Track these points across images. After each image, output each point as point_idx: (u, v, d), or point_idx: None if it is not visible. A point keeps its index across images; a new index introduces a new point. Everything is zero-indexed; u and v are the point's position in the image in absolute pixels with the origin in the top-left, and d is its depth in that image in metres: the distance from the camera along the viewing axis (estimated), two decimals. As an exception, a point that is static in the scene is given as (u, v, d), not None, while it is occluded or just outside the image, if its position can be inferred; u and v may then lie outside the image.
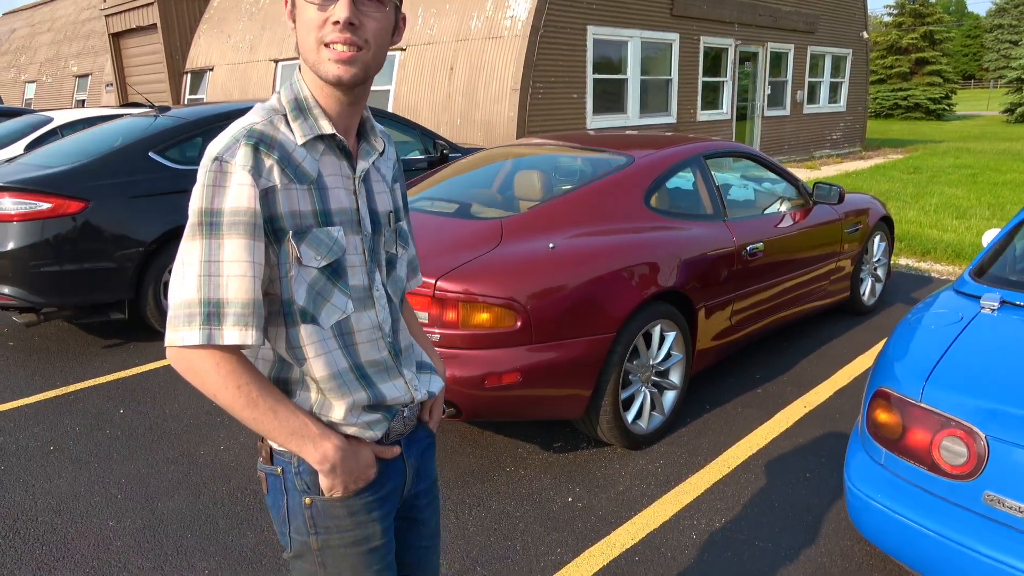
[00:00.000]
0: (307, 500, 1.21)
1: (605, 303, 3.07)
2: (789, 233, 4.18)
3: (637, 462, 3.31)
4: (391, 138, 1.39)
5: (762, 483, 3.13)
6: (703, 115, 13.16)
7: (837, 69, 16.86)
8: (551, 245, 3.07)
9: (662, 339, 3.44)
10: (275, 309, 1.15)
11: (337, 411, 1.19)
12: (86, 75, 20.58)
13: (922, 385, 2.03)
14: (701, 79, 12.94)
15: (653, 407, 3.50)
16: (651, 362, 3.39)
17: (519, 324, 2.87)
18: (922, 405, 2.01)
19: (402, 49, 11.53)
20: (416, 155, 6.56)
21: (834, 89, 16.94)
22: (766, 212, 4.20)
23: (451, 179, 3.98)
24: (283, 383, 1.19)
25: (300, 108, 1.15)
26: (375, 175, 1.27)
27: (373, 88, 11.98)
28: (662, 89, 12.36)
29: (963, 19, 75.10)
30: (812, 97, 16.28)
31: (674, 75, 12.36)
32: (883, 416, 2.11)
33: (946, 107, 31.48)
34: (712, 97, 13.52)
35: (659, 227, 3.47)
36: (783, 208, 4.38)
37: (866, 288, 5.30)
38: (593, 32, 10.79)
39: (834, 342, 4.81)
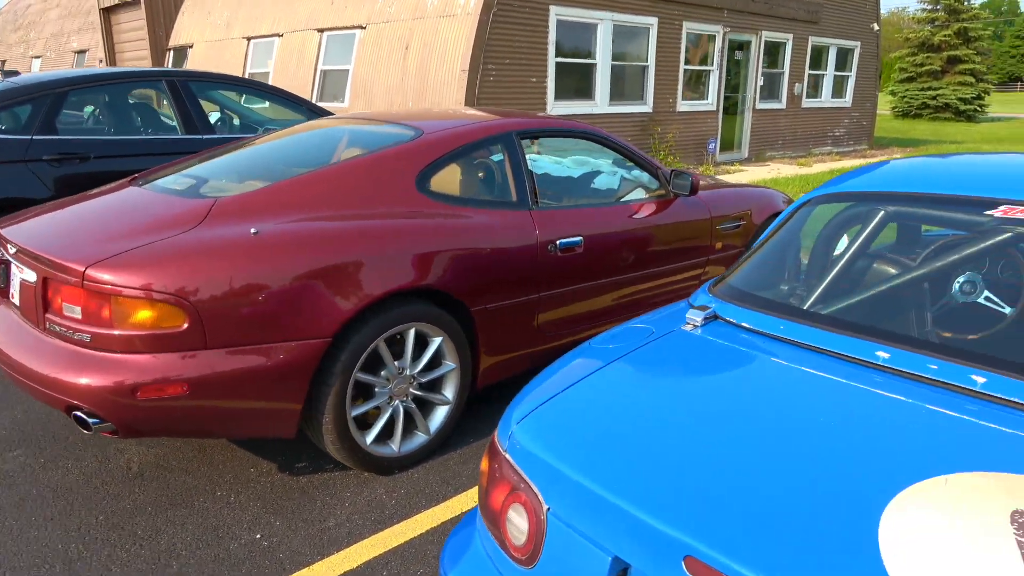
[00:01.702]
0: None
1: (318, 302, 2.56)
2: (627, 227, 3.61)
3: (374, 490, 2.80)
4: None
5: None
6: (684, 105, 12.46)
7: (843, 62, 15.95)
8: (253, 231, 2.57)
9: (423, 346, 2.92)
10: None
11: None
12: (84, 51, 20.53)
13: (511, 427, 1.50)
14: (682, 67, 12.24)
15: (415, 425, 2.98)
16: (407, 372, 2.88)
17: (187, 325, 2.38)
18: (506, 455, 1.47)
19: (362, 27, 11.06)
20: (302, 133, 6.08)
21: (839, 83, 16.04)
22: (601, 202, 3.64)
23: (231, 155, 3.49)
24: None
25: None
26: None
27: (331, 67, 11.56)
28: (637, 76, 11.70)
29: (1014, 19, 72.28)
30: (814, 91, 15.42)
31: (651, 62, 11.69)
32: (483, 464, 1.58)
33: (977, 108, 30.01)
34: (697, 87, 12.81)
35: (425, 214, 2.94)
36: (629, 198, 3.81)
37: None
38: (556, 13, 10.19)
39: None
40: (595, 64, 10.94)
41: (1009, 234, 1.70)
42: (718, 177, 5.09)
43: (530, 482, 1.36)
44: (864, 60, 16.48)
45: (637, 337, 1.79)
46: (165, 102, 5.56)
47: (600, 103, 11.11)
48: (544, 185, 4.07)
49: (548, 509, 1.31)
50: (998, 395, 1.35)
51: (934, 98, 30.13)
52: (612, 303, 3.63)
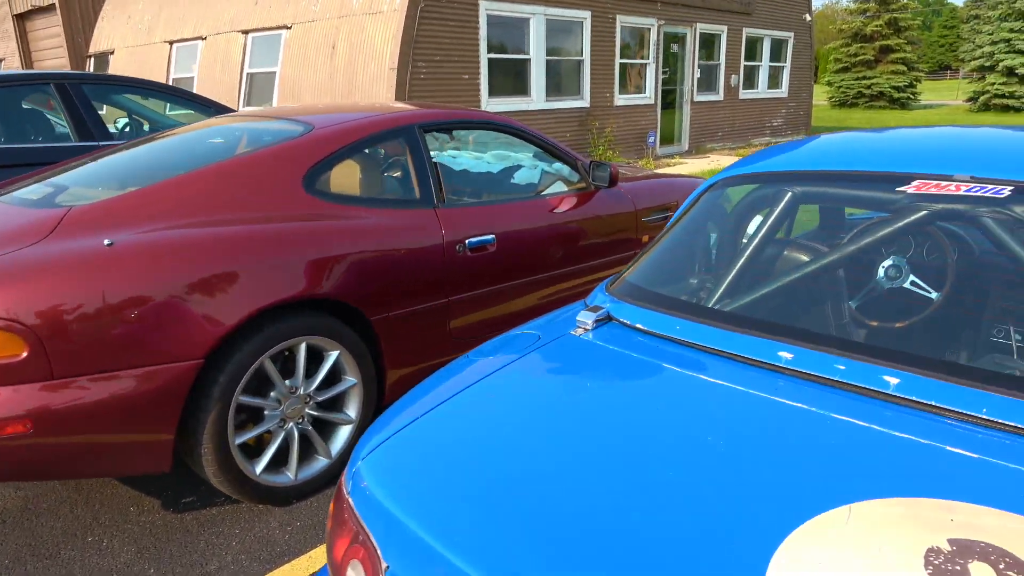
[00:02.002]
0: None
1: (185, 319, 2.28)
2: (545, 223, 3.40)
3: (267, 525, 2.52)
4: None
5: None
6: (621, 99, 12.37)
7: (778, 53, 16.10)
8: (107, 242, 2.27)
9: (319, 361, 2.66)
10: None
11: None
12: (1, 60, 19.54)
13: (357, 463, 1.26)
14: (618, 61, 12.14)
15: (315, 449, 2.72)
16: (301, 391, 2.61)
17: (26, 353, 2.08)
18: (348, 498, 1.23)
19: (287, 27, 10.67)
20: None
21: (775, 74, 16.19)
22: (516, 197, 3.42)
23: (103, 159, 3.16)
24: None
25: None
26: None
27: (258, 70, 11.14)
28: (573, 71, 11.55)
29: (940, 8, 74.76)
30: (750, 82, 15.51)
31: (586, 56, 11.55)
32: (332, 504, 1.33)
33: (910, 96, 30.81)
34: (634, 80, 12.73)
35: (314, 216, 2.67)
36: (548, 192, 3.59)
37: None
38: (486, 8, 9.97)
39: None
40: (529, 59, 10.75)
41: (925, 212, 1.52)
42: (647, 168, 4.92)
43: (369, 533, 1.12)
44: (798, 51, 16.66)
45: (519, 346, 1.56)
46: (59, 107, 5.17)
47: (536, 99, 10.93)
48: (455, 181, 3.83)
49: (387, 568, 1.07)
50: (914, 398, 1.16)
51: (869, 87, 30.84)
52: (535, 303, 3.42)
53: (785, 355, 1.31)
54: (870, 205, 1.61)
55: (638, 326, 1.54)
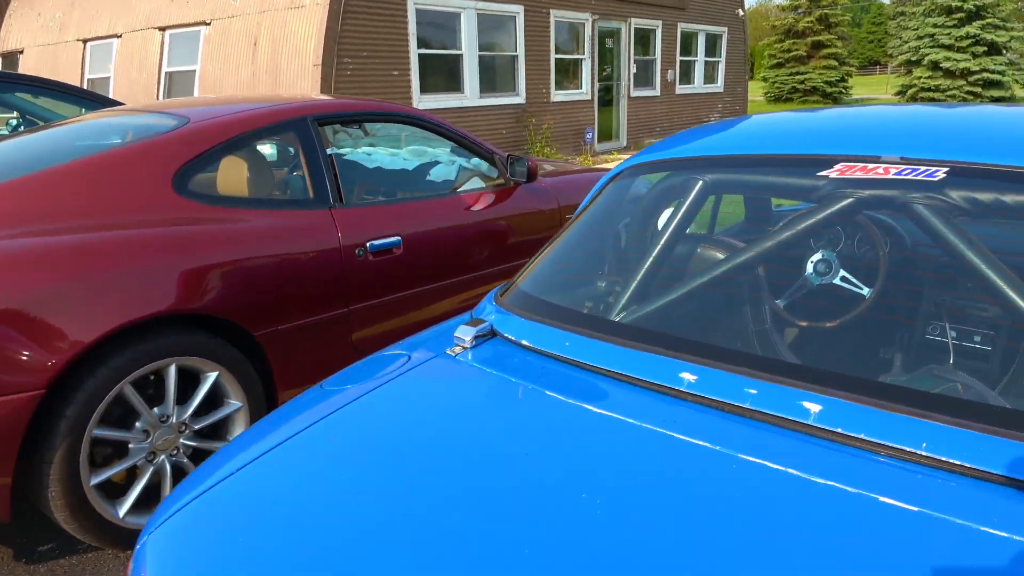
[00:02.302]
0: None
1: (18, 343, 1.94)
2: (459, 222, 3.14)
3: (135, 575, 2.20)
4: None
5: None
6: (559, 95, 12.19)
7: (713, 48, 16.17)
8: (-81, 254, 1.92)
9: (195, 384, 2.34)
10: None
11: None
12: (-97, 62, 18.32)
13: (144, 537, 0.98)
14: (554, 56, 11.95)
15: (195, 483, 2.39)
16: (173, 420, 2.29)
17: None
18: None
19: (206, 23, 10.16)
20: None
21: (710, 69, 16.26)
22: (426, 195, 3.15)
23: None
24: None
25: None
26: None
27: (177, 69, 10.60)
28: (508, 67, 11.32)
29: (868, 5, 77.13)
30: (686, 77, 15.54)
31: (520, 51, 11.33)
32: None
33: (842, 90, 31.54)
34: (570, 76, 12.57)
35: (186, 220, 2.36)
36: (464, 189, 3.34)
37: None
38: (415, 2, 9.65)
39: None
40: (462, 55, 10.47)
41: (851, 200, 1.31)
42: (577, 164, 4.71)
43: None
44: (732, 46, 16.78)
45: (379, 372, 1.30)
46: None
47: (470, 96, 10.66)
48: (360, 179, 3.54)
49: None
50: (838, 430, 0.94)
51: (802, 82, 31.44)
52: (449, 309, 3.15)
53: (687, 377, 1.08)
54: (789, 193, 1.40)
55: (523, 343, 1.30)
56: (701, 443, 0.94)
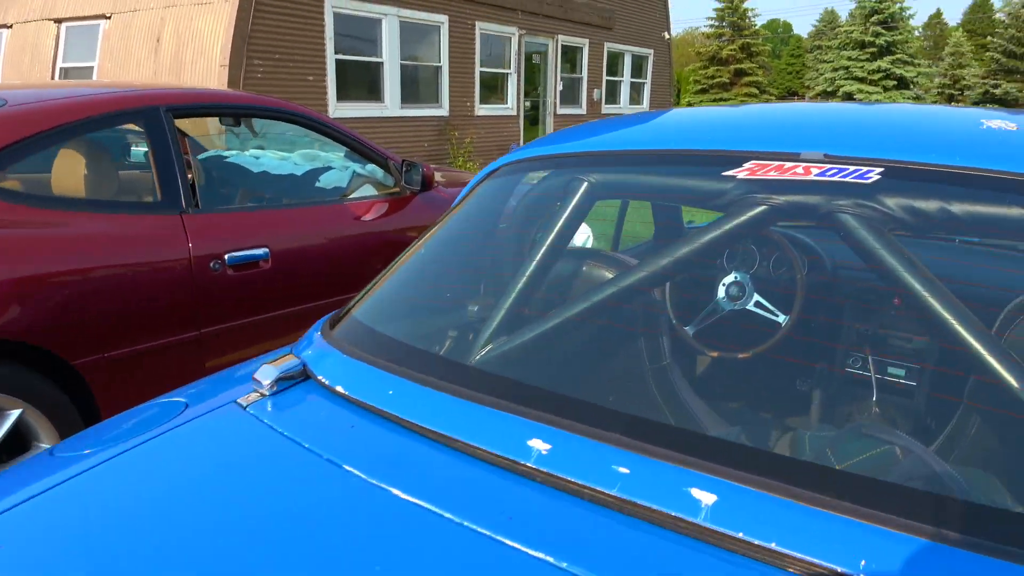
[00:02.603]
0: None
1: None
2: (341, 233, 2.79)
3: None
4: None
5: None
6: (483, 109, 11.95)
7: (639, 70, 16.29)
8: None
9: (-7, 423, 1.91)
10: None
11: None
12: None
13: None
14: (479, 69, 11.72)
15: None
16: (-40, 468, 1.85)
17: None
18: None
19: (106, 17, 9.48)
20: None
21: (636, 90, 16.37)
22: (306, 203, 2.79)
23: None
24: None
25: None
26: None
27: (73, 64, 9.87)
28: (431, 78, 11.01)
29: (787, 38, 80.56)
30: (612, 97, 15.57)
31: (444, 63, 11.04)
32: None
33: (763, 117, 32.64)
34: (496, 91, 12.36)
35: (-17, 223, 1.93)
36: (355, 197, 2.99)
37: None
38: (333, 5, 9.25)
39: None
40: (382, 63, 10.10)
41: (763, 207, 1.04)
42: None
43: None
44: (658, 68, 16.95)
45: (145, 427, 0.95)
46: None
47: (391, 106, 10.29)
48: (230, 182, 3.15)
49: None
50: (740, 536, 0.64)
51: (725, 108, 32.41)
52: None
53: (538, 446, 0.77)
54: (690, 197, 1.13)
55: (337, 389, 0.96)
56: (542, 557, 0.63)
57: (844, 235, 0.97)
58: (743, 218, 1.04)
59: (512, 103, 12.65)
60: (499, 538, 0.66)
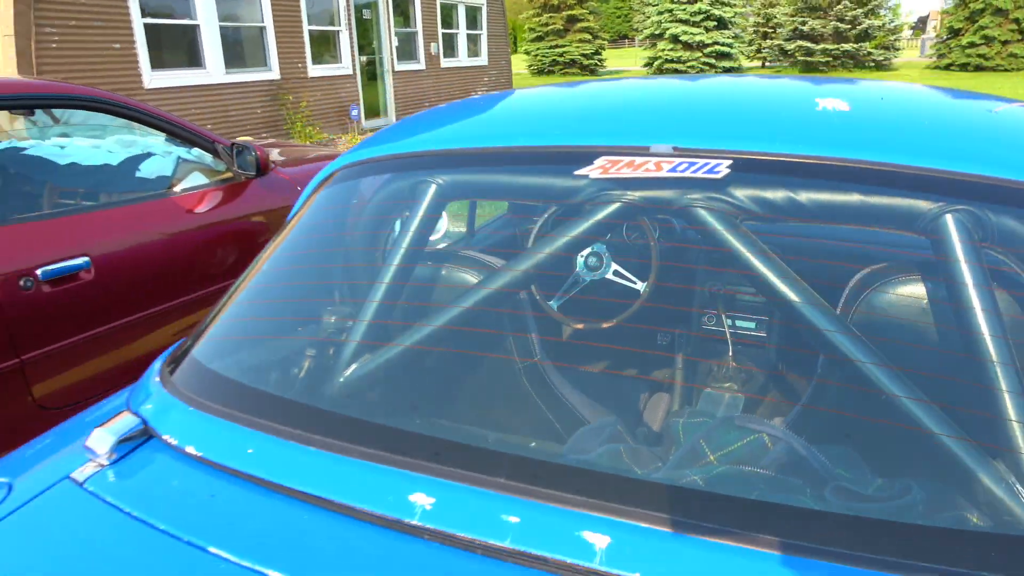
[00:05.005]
0: None
1: None
2: (172, 231, 2.55)
3: None
4: None
5: None
6: (316, 69, 11.37)
7: (473, 21, 16.10)
8: None
9: None
10: None
11: None
12: None
13: None
14: (307, 27, 11.10)
15: None
16: None
17: None
18: None
19: None
20: None
21: (473, 42, 16.20)
22: (128, 200, 2.52)
23: None
24: None
25: None
26: None
27: None
28: (256, 39, 10.30)
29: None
30: (451, 50, 15.33)
31: (268, 22, 10.35)
32: None
33: (597, 62, 33.35)
34: (329, 49, 11.79)
35: None
36: (181, 188, 2.74)
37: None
38: (133, -37, 8.37)
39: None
40: (198, 25, 9.31)
41: (618, 204, 1.02)
42: (323, 147, 4.19)
43: None
44: (493, 18, 16.83)
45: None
46: None
47: (214, 72, 9.55)
48: (36, 183, 2.79)
49: None
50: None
51: (561, 55, 32.79)
52: (169, 340, 2.56)
53: (421, 501, 0.72)
54: (543, 196, 1.09)
55: (188, 449, 0.86)
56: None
57: (699, 227, 0.97)
58: (600, 216, 1.02)
59: (347, 61, 12.13)
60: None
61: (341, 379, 0.96)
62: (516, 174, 1.07)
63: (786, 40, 30.29)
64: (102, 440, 0.89)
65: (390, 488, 0.74)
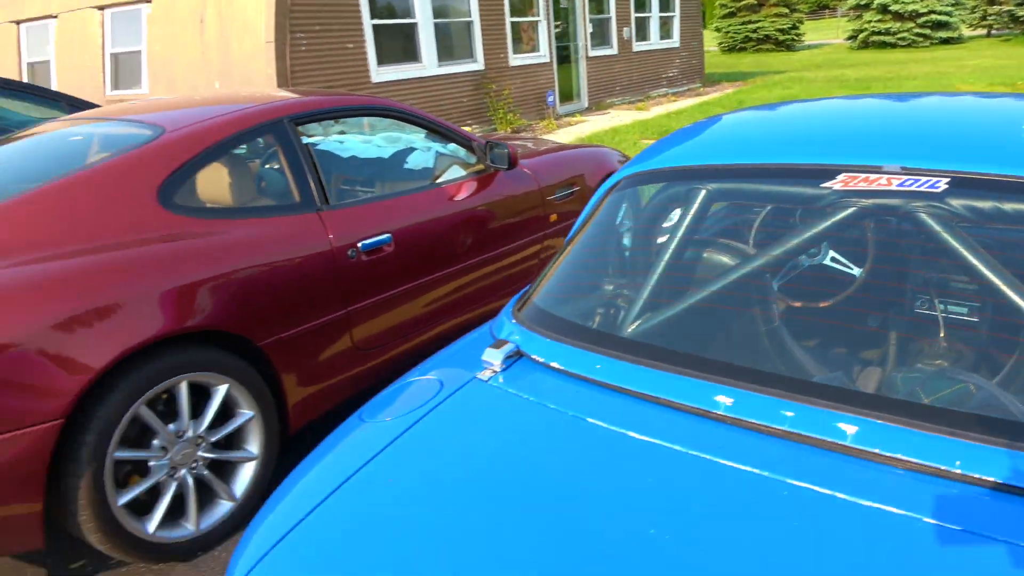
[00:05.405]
0: None
1: (29, 377, 1.95)
2: (445, 214, 3.17)
3: (165, 587, 2.25)
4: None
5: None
6: (517, 59, 12.09)
7: (666, 3, 16.11)
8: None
9: (206, 398, 2.37)
10: None
11: None
12: None
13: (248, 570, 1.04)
14: (509, 19, 11.82)
15: (215, 494, 2.44)
16: (190, 434, 2.32)
17: None
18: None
19: (147, 1, 9.80)
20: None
21: (665, 24, 16.22)
22: (410, 189, 3.17)
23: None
24: None
25: None
26: None
27: (122, 50, 10.24)
28: (464, 33, 11.17)
29: (814, -52, 76.99)
30: (642, 34, 15.49)
31: (475, 16, 11.17)
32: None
33: (794, 37, 31.70)
34: (527, 38, 12.45)
35: (175, 236, 2.35)
36: (445, 179, 3.36)
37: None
38: (367, -29, 9.43)
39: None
40: (416, 23, 10.29)
41: (854, 208, 1.39)
42: (548, 140, 4.72)
43: None
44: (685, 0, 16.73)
45: (419, 400, 1.36)
46: None
47: (428, 65, 10.52)
48: (342, 176, 3.54)
49: None
50: (876, 451, 1.02)
51: (755, 31, 31.50)
52: (445, 300, 3.20)
53: (723, 400, 1.16)
54: (791, 202, 1.48)
55: (553, 364, 1.36)
56: (749, 469, 1.02)
57: (919, 228, 1.32)
58: (838, 217, 1.39)
59: (544, 50, 12.74)
60: (717, 459, 1.06)
61: (649, 323, 1.42)
62: (774, 184, 1.46)
63: (1018, 4, 26.93)
64: (494, 356, 1.41)
65: (700, 391, 1.18)
